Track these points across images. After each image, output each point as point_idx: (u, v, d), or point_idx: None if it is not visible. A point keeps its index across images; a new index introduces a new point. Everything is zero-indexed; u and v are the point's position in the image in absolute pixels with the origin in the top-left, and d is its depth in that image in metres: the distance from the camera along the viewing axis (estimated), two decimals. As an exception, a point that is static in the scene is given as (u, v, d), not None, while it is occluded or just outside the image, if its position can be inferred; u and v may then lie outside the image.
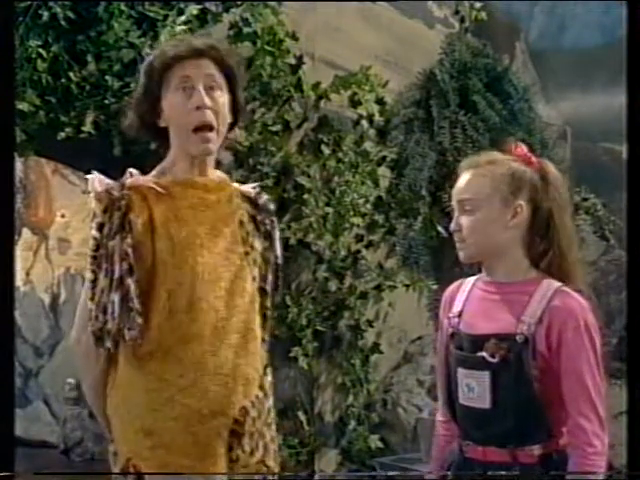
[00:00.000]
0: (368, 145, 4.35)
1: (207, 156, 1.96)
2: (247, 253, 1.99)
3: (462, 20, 5.13)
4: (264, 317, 2.06)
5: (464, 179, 1.98)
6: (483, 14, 5.14)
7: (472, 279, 2.04)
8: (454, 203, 1.99)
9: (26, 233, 7.16)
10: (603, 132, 5.64)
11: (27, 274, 7.14)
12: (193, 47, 1.93)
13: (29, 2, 3.39)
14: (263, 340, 2.03)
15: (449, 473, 2.03)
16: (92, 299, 1.88)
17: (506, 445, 1.89)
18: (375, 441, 4.29)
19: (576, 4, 6.00)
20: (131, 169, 1.99)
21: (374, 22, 4.77)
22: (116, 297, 1.85)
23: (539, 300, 1.88)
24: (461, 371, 1.94)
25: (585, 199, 5.20)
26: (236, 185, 2.08)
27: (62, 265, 7.14)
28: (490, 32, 5.19)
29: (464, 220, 1.94)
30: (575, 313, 1.87)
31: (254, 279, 2.00)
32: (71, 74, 3.46)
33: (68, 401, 6.64)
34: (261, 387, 2.00)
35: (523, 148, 2.01)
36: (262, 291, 2.06)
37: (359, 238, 4.33)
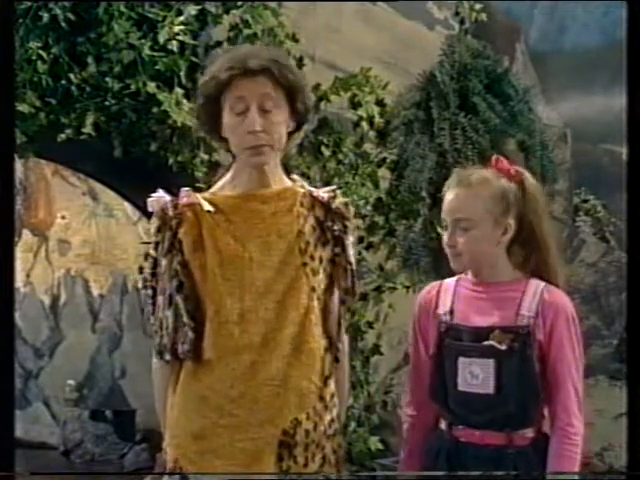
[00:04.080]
0: (368, 147, 4.35)
1: (261, 166, 1.99)
2: (305, 264, 1.98)
3: (462, 21, 5.12)
4: (337, 325, 2.06)
5: (456, 198, 2.13)
6: (483, 15, 5.13)
7: (451, 280, 2.21)
8: (447, 219, 2.14)
9: (26, 234, 7.16)
10: (603, 134, 5.64)
11: (27, 275, 7.15)
12: (248, 67, 1.93)
13: (29, 3, 3.39)
14: (327, 350, 2.02)
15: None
16: (153, 314, 2.02)
17: (504, 429, 2.06)
18: (375, 443, 4.28)
19: (576, 5, 6.00)
20: (184, 188, 2.03)
21: (374, 24, 4.78)
22: (169, 313, 1.97)
23: (532, 296, 2.09)
24: (463, 360, 2.09)
25: (585, 200, 5.21)
26: (308, 190, 2.05)
27: (62, 267, 7.15)
28: (490, 34, 5.19)
29: (460, 237, 2.11)
30: (565, 306, 2.10)
31: (313, 290, 1.99)
32: (71, 76, 3.46)
33: (68, 402, 6.64)
34: (321, 398, 1.99)
35: (504, 162, 2.17)
36: (329, 300, 2.05)
37: (359, 240, 4.33)
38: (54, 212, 7.17)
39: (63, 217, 7.14)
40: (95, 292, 7.10)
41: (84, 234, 7.10)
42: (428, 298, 2.22)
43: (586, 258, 5.74)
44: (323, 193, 2.06)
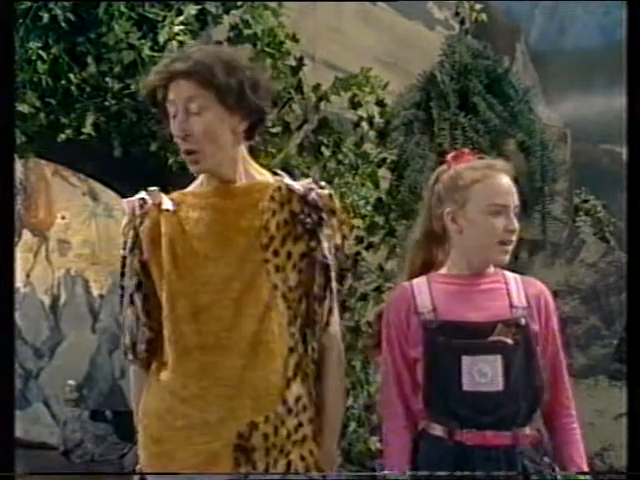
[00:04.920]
0: (368, 147, 4.35)
1: (199, 173, 1.97)
2: (266, 260, 1.90)
3: (462, 22, 5.12)
4: (313, 324, 1.95)
5: (507, 184, 2.06)
6: (483, 16, 5.13)
7: (421, 278, 2.10)
8: (507, 204, 2.04)
9: (26, 235, 7.17)
10: (603, 134, 5.65)
11: (27, 276, 7.16)
12: (172, 71, 1.91)
13: (29, 4, 3.39)
14: (293, 350, 1.91)
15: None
16: (121, 313, 2.01)
17: (511, 427, 1.97)
18: (375, 443, 4.27)
19: (576, 5, 6.01)
20: (150, 187, 2.02)
21: (374, 24, 4.78)
22: (129, 312, 1.96)
23: (515, 286, 2.05)
24: (468, 358, 1.98)
25: (585, 201, 5.21)
26: (286, 184, 1.97)
27: (62, 267, 7.16)
28: (490, 34, 5.19)
29: (517, 224, 2.04)
30: (548, 294, 2.07)
31: (275, 287, 1.90)
32: (71, 76, 3.46)
33: (68, 402, 6.65)
34: (283, 402, 1.89)
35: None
36: (304, 297, 1.94)
37: (359, 240, 4.32)
38: (54, 212, 7.18)
39: (63, 217, 7.15)
40: (95, 292, 7.11)
41: (84, 234, 7.11)
42: (403, 298, 2.08)
43: (586, 258, 5.75)
44: (300, 185, 1.98)
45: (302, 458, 1.91)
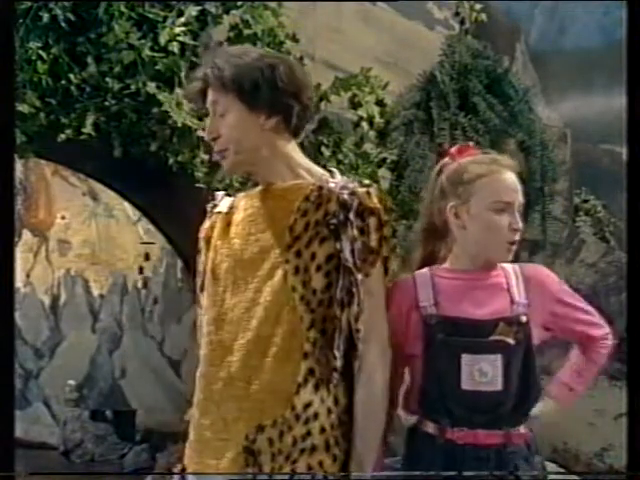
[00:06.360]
0: (368, 147, 4.35)
1: (228, 171, 2.04)
2: (287, 261, 1.86)
3: (462, 22, 5.12)
4: (336, 329, 1.86)
5: (514, 181, 2.00)
6: (483, 16, 5.13)
7: (424, 271, 2.07)
8: (512, 201, 1.99)
9: (26, 235, 7.17)
10: (603, 134, 5.65)
11: (27, 276, 7.15)
12: (198, 80, 1.98)
13: (29, 3, 3.40)
14: (308, 355, 1.85)
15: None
16: None
17: (504, 426, 1.94)
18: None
19: (576, 5, 6.01)
20: (217, 192, 2.09)
21: (374, 24, 4.78)
22: (198, 310, 2.04)
23: (516, 281, 1.99)
24: (468, 357, 1.93)
25: (585, 201, 5.22)
26: (327, 184, 1.90)
27: (62, 267, 7.16)
28: (490, 34, 5.19)
29: (521, 224, 1.99)
30: (545, 276, 2.04)
31: (293, 289, 1.85)
32: (71, 76, 3.46)
33: (68, 402, 6.65)
34: (292, 408, 1.85)
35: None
36: (329, 300, 1.87)
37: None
38: (54, 212, 7.18)
39: (63, 217, 7.15)
40: (95, 292, 7.10)
41: (84, 234, 7.11)
42: (405, 291, 2.05)
43: (586, 258, 5.74)
44: (337, 184, 1.90)
45: (309, 468, 1.85)
